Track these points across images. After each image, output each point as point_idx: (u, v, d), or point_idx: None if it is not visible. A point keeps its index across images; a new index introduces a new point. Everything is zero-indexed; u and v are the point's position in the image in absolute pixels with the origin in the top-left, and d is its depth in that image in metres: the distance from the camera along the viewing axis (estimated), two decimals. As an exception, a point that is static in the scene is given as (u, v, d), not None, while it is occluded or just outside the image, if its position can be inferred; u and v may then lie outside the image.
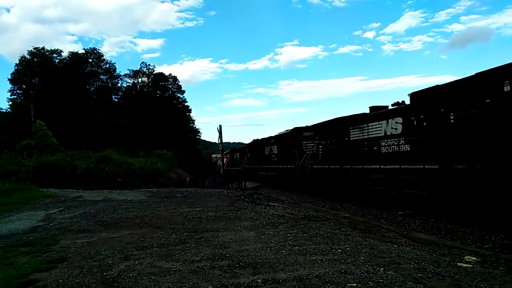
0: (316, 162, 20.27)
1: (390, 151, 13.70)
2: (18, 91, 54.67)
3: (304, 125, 23.66)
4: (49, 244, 7.14)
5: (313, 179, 20.51)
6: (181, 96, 67.31)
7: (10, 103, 53.59)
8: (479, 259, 5.88)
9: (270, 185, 28.15)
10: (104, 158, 27.65)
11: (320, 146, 19.97)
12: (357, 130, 16.19)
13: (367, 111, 16.96)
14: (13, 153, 27.24)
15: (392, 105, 14.71)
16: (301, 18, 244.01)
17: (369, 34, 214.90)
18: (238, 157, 45.31)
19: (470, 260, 5.80)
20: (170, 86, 66.09)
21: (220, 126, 26.32)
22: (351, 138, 16.69)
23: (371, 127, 15.10)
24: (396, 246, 6.72)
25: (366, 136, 15.47)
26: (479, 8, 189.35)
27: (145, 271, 5.22)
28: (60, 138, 33.65)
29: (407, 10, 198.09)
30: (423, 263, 5.42)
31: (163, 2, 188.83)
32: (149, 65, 67.17)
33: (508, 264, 5.68)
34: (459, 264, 5.53)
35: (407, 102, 13.29)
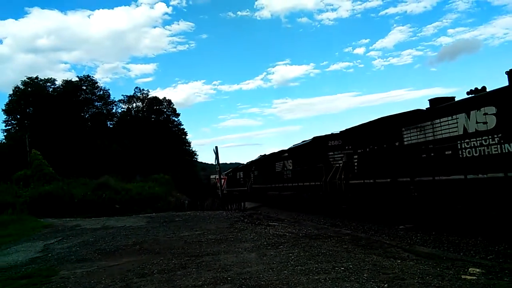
0: (349, 176, 16.32)
1: (477, 154, 9.95)
2: (12, 121, 54.61)
3: (329, 133, 19.51)
4: (48, 275, 7.04)
5: (349, 198, 16.44)
6: (176, 119, 67.38)
7: (5, 133, 53.55)
8: (483, 271, 5.83)
9: (285, 207, 24.18)
10: (101, 185, 27.44)
11: (355, 156, 16.05)
12: (415, 131, 12.43)
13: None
14: (9, 183, 27.02)
15: (468, 93, 10.90)
16: (292, 38, 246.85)
17: (359, 50, 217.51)
18: (241, 176, 40.56)
19: (474, 272, 5.75)
20: (165, 110, 66.23)
21: (216, 147, 26.39)
22: (406, 142, 12.90)
23: (439, 125, 11.36)
24: (399, 261, 6.66)
25: (431, 138, 11.71)
26: (466, 20, 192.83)
27: (147, 299, 5.13)
28: (56, 167, 33.42)
29: (395, 25, 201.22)
30: (427, 278, 5.37)
31: (154, 27, 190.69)
32: (143, 89, 67.37)
33: (512, 274, 5.64)
34: (463, 276, 5.48)
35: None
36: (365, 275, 5.61)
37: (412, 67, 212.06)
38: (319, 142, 19.50)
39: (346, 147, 17.23)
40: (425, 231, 11.28)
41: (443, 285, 4.98)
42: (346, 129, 17.52)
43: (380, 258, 6.98)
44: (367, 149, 15.27)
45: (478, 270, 5.87)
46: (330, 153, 18.59)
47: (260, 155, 32.15)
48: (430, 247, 9.26)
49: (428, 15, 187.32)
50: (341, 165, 17.33)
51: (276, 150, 32.95)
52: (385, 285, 5.02)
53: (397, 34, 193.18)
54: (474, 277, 5.42)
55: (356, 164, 16.03)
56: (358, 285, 5.08)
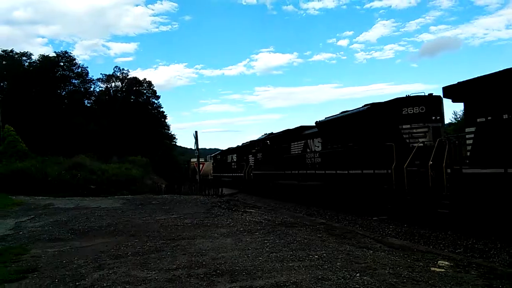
0: (460, 161, 10.24)
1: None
2: (-15, 95, 52.85)
3: (405, 96, 12.87)
4: (19, 254, 6.90)
5: (457, 194, 9.86)
6: (156, 101, 66.53)
7: (-23, 107, 51.80)
8: (451, 264, 6.02)
9: (306, 201, 18.08)
10: (76, 165, 26.95)
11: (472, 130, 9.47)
12: None
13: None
14: (-20, 159, 26.24)
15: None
16: (277, 25, 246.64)
17: (343, 42, 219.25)
18: (234, 160, 33.68)
19: (443, 264, 5.93)
20: (145, 91, 65.22)
21: (196, 132, 26.22)
22: None
23: None
24: (371, 251, 6.81)
25: None
26: (448, 18, 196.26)
27: (120, 280, 5.10)
28: (30, 144, 32.60)
29: (379, 19, 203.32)
30: (398, 268, 5.51)
31: (136, 5, 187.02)
32: (123, 69, 65.98)
33: (479, 268, 5.83)
34: (432, 268, 5.64)
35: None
36: (338, 263, 5.72)
37: (394, 62, 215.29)
38: (385, 109, 13.11)
39: (433, 118, 12.30)
40: (397, 223, 11.54)
41: (413, 276, 5.12)
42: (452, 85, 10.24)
43: (353, 248, 7.12)
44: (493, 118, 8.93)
45: (446, 263, 6.05)
46: (405, 126, 12.43)
47: (266, 134, 25.19)
48: (401, 239, 9.49)
49: (412, 11, 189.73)
50: (426, 143, 11.92)
51: (253, 138, 30.35)
52: (357, 274, 5.12)
53: (381, 28, 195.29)
54: (443, 270, 5.59)
55: (472, 142, 9.47)
56: (331, 273, 5.17)
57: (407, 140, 12.32)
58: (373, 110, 13.53)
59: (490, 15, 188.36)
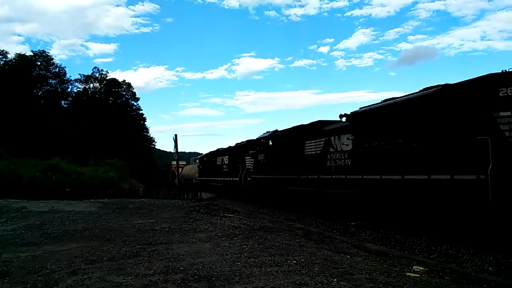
0: None
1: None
2: (-43, 93, 51.12)
3: (500, 71, 9.00)
4: (-12, 259, 6.68)
5: None
6: (135, 103, 65.80)
7: None
8: (426, 269, 6.13)
9: (338, 216, 14.04)
10: (51, 167, 26.35)
11: None
12: None
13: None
14: (-51, 160, 25.36)
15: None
16: (258, 30, 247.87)
17: (324, 49, 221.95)
18: (226, 162, 29.79)
19: (418, 270, 6.04)
20: (124, 93, 64.44)
21: (176, 135, 25.92)
22: None
23: None
24: (348, 256, 6.88)
25: None
26: (425, 28, 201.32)
27: (95, 286, 5.01)
28: (3, 145, 31.74)
29: (359, 27, 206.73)
30: (374, 274, 5.58)
31: (117, 5, 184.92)
32: (102, 70, 65.01)
33: (453, 273, 5.97)
34: (407, 274, 5.74)
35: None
36: (316, 268, 5.75)
37: (373, 70, 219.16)
38: (465, 92, 9.52)
39: None
40: (374, 228, 11.70)
41: (389, 281, 5.19)
42: None
43: (331, 253, 7.18)
44: None
45: (421, 268, 6.17)
46: (504, 114, 8.70)
47: (268, 131, 21.51)
48: (378, 244, 9.63)
49: (391, 20, 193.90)
50: None
51: (240, 141, 27.91)
52: (334, 279, 5.16)
53: (361, 36, 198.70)
54: (418, 275, 5.69)
55: None
56: (309, 278, 5.20)
57: (507, 134, 8.61)
58: (447, 93, 9.96)
59: (466, 26, 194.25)
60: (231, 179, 27.34)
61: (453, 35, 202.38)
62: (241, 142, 27.46)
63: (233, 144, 29.47)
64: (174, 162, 32.78)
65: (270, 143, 20.47)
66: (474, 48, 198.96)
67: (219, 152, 32.57)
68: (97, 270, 5.82)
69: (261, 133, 22.41)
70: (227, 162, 29.57)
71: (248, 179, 23.43)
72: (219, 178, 30.96)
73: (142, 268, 5.87)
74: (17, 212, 13.72)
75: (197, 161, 42.98)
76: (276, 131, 20.43)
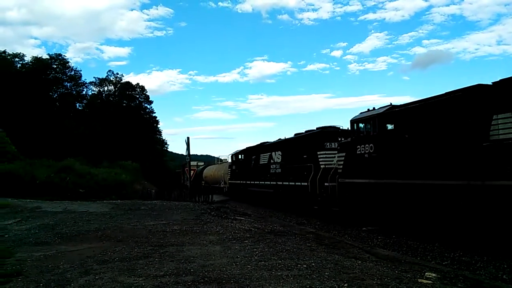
0: None
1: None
2: (-25, 95, 52.21)
3: None
4: (3, 257, 6.81)
5: None
6: (148, 106, 66.23)
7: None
8: (439, 276, 6.04)
9: None
10: (66, 168, 26.72)
11: None
12: None
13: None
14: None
15: None
16: (271, 34, 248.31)
17: (337, 53, 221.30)
18: (277, 160, 21.82)
19: (430, 276, 5.95)
20: (138, 96, 64.94)
21: (188, 138, 26.03)
22: None
23: None
24: (359, 262, 6.82)
25: None
26: (440, 32, 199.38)
27: (106, 286, 5.05)
28: (19, 146, 32.27)
29: (373, 31, 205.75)
30: (385, 279, 5.52)
31: (132, 10, 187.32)
32: (116, 73, 65.68)
33: (466, 281, 5.87)
34: (420, 280, 5.66)
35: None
36: (326, 273, 5.71)
37: (386, 74, 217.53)
38: None
39: None
40: (386, 234, 11.58)
41: None
42: None
43: (342, 257, 7.12)
44: None
45: (434, 274, 6.08)
46: None
47: (375, 108, 13.83)
48: (390, 249, 9.53)
49: (405, 25, 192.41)
50: None
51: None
52: (345, 285, 5.12)
53: (374, 40, 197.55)
54: (430, 282, 5.61)
55: None
56: (319, 283, 5.16)
57: None
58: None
59: (481, 30, 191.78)
60: (290, 183, 19.41)
61: (468, 40, 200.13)
62: (306, 131, 19.68)
63: (302, 131, 20.53)
64: (193, 163, 30.04)
65: (391, 127, 12.77)
66: (490, 53, 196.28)
67: (265, 147, 24.16)
68: (108, 270, 5.87)
69: (362, 112, 14.17)
70: (279, 160, 21.45)
71: (327, 184, 15.69)
72: (265, 182, 22.77)
73: (153, 270, 5.90)
74: (32, 212, 13.94)
75: (227, 159, 34.79)
76: (391, 106, 12.89)
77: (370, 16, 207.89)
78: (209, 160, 54.43)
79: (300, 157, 18.70)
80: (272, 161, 22.30)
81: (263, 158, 23.69)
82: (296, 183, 18.64)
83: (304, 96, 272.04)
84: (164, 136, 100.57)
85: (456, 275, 6.26)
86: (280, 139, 22.77)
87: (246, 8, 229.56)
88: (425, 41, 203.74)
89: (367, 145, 13.31)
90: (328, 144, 17.39)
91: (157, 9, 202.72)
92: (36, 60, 53.82)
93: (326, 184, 15.88)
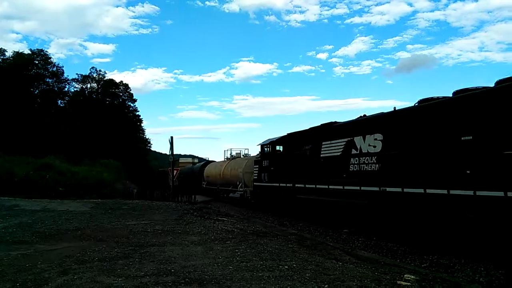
0: None
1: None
2: (-48, 89, 50.76)
3: None
4: (-22, 256, 6.63)
5: None
6: (132, 104, 65.49)
7: None
8: (417, 278, 6.14)
9: None
10: (46, 165, 26.20)
11: None
12: None
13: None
14: None
15: None
16: (258, 35, 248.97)
17: (322, 56, 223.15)
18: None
19: (409, 278, 6.05)
20: (121, 94, 64.09)
21: (172, 137, 25.89)
22: None
23: None
24: (340, 263, 6.88)
25: None
26: (424, 38, 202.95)
27: (85, 286, 4.98)
28: (-3, 142, 31.57)
29: (358, 35, 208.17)
30: (365, 281, 5.58)
31: (117, 6, 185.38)
32: (100, 70, 64.66)
33: (443, 283, 5.98)
34: (399, 282, 5.74)
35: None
36: (307, 275, 5.75)
37: (370, 78, 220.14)
38: None
39: None
40: (367, 236, 11.71)
41: (380, 289, 5.19)
42: None
43: (323, 259, 7.18)
44: None
45: (413, 277, 6.18)
46: None
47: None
48: (370, 251, 9.63)
49: (390, 29, 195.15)
50: None
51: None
52: (326, 286, 5.16)
53: (359, 44, 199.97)
54: (409, 283, 5.70)
55: None
56: (300, 284, 5.19)
57: None
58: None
59: (464, 37, 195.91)
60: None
61: (451, 45, 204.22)
62: (433, 99, 10.24)
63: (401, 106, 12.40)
64: (181, 160, 28.29)
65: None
66: (472, 59, 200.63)
67: (334, 128, 14.33)
68: (87, 270, 5.79)
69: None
70: (375, 149, 11.59)
71: None
72: (343, 187, 12.82)
73: (133, 270, 5.85)
74: (9, 210, 13.64)
75: (249, 154, 27.18)
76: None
77: (356, 19, 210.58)
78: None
79: (395, 144, 10.83)
80: (355, 151, 12.60)
81: (332, 147, 14.01)
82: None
83: (289, 97, 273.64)
84: (148, 135, 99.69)
85: (434, 278, 6.37)
86: (368, 116, 13.00)
87: (233, 8, 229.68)
88: (409, 46, 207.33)
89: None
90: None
91: (143, 7, 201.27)
92: (17, 55, 52.70)
93: None
